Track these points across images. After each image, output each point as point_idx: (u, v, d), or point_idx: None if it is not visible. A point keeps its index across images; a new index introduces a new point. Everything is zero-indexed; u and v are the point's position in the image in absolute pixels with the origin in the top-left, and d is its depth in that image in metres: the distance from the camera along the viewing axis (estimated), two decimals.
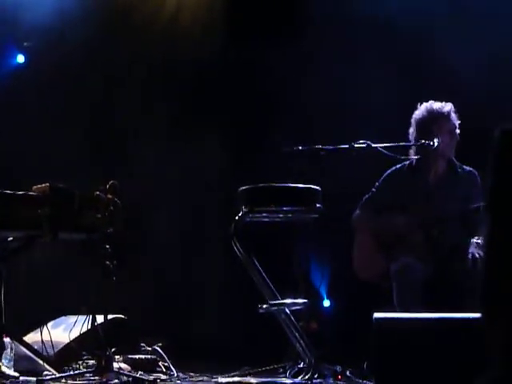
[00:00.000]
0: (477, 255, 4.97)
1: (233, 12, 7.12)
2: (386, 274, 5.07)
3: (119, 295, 4.71)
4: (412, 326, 3.94)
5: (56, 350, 5.08)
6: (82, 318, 4.94)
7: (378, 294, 5.21)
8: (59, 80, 7.03)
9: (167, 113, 7.14)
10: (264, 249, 5.18)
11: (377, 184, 5.37)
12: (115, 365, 4.73)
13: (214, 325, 6.68)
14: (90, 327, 4.76)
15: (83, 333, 5.02)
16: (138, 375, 4.88)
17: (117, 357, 5.04)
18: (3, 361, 4.83)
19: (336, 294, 6.71)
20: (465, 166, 5.26)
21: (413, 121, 5.29)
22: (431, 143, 5.18)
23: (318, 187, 4.92)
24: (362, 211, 5.36)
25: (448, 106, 5.23)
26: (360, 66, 6.64)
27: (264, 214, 5.00)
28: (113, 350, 4.76)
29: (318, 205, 4.89)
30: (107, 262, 4.64)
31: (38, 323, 5.15)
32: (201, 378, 5.14)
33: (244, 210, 4.89)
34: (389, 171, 5.37)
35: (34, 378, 4.62)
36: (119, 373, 4.70)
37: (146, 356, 5.39)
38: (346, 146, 5.21)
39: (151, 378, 4.92)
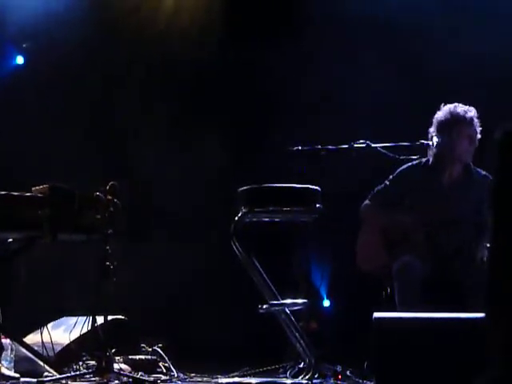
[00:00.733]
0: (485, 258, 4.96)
1: (231, 12, 7.12)
2: (388, 268, 5.07)
3: (119, 296, 4.71)
4: (412, 325, 3.95)
5: (56, 351, 5.07)
6: (82, 319, 4.93)
7: (378, 293, 5.21)
8: (58, 81, 7.03)
9: (167, 113, 7.14)
10: (264, 249, 5.17)
11: (390, 177, 5.32)
12: (115, 366, 4.72)
13: (214, 325, 6.68)
14: (90, 328, 4.76)
15: (83, 334, 5.02)
16: (138, 376, 4.87)
17: (117, 358, 5.04)
18: (3, 362, 4.84)
19: (336, 294, 6.71)
20: (480, 170, 5.21)
21: (434, 120, 5.23)
22: (430, 143, 5.18)
23: (317, 187, 4.91)
24: (372, 202, 5.32)
25: (471, 112, 5.15)
26: (360, 66, 6.64)
27: (264, 215, 4.99)
28: (113, 350, 4.76)
29: (317, 205, 4.89)
30: (107, 263, 4.64)
31: (38, 324, 5.15)
32: (201, 379, 5.14)
33: (244, 210, 4.89)
34: (404, 167, 5.31)
35: (35, 379, 4.61)
36: (119, 374, 4.69)
37: (147, 357, 5.38)
38: (346, 146, 5.21)
39: (151, 378, 4.92)
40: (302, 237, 5.49)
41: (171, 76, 7.21)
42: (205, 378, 5.14)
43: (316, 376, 4.81)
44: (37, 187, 4.85)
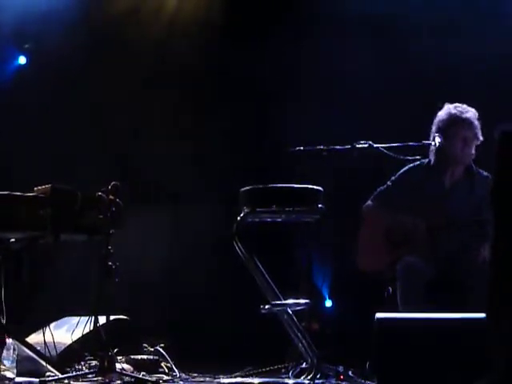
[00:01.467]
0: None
1: (231, 13, 7.13)
2: (388, 269, 5.07)
3: (121, 296, 4.71)
4: (414, 326, 3.95)
5: (58, 351, 5.07)
6: (84, 318, 4.94)
7: (380, 293, 5.21)
8: (60, 81, 7.04)
9: (168, 113, 7.14)
10: (266, 249, 5.17)
11: (392, 178, 5.33)
12: (118, 365, 4.73)
13: (217, 325, 6.69)
14: (92, 328, 4.76)
15: (85, 334, 5.02)
16: (140, 376, 4.87)
17: (119, 357, 5.04)
18: (5, 362, 4.84)
19: (338, 295, 6.71)
20: (481, 171, 5.21)
21: (435, 120, 5.24)
22: (433, 143, 5.18)
23: (319, 187, 4.91)
24: (374, 203, 5.33)
25: (468, 113, 5.12)
26: (362, 66, 6.64)
27: (266, 215, 4.99)
28: (115, 350, 4.76)
29: (319, 205, 4.89)
30: (109, 263, 4.64)
31: (41, 324, 5.15)
32: (203, 379, 5.14)
33: (246, 210, 4.89)
34: (406, 168, 5.31)
35: (37, 379, 4.61)
36: (122, 373, 4.69)
37: (149, 357, 5.38)
38: (348, 147, 5.21)
39: (154, 378, 4.92)
40: (303, 237, 5.48)
41: (172, 76, 7.21)
42: (207, 378, 5.14)
43: (318, 376, 4.81)
44: (39, 187, 4.85)
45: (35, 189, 4.86)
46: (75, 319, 5.18)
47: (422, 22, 6.53)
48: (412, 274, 4.93)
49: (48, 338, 4.96)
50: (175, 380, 5.08)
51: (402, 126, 5.83)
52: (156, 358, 5.38)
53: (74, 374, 4.79)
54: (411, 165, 5.31)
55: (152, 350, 5.46)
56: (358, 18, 6.68)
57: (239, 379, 5.04)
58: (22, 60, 7.38)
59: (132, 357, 5.29)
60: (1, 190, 4.73)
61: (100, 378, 4.58)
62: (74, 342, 5.15)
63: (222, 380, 5.02)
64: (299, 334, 4.89)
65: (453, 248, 5.03)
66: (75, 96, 7.06)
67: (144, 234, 6.80)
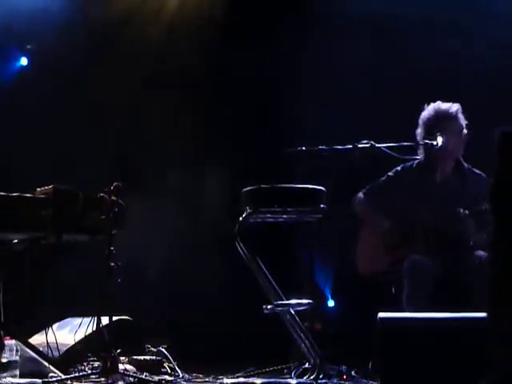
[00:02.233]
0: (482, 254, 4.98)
1: (231, 13, 7.13)
2: (386, 271, 5.09)
3: (124, 296, 4.71)
4: (417, 325, 3.94)
5: (61, 352, 5.07)
6: (87, 319, 4.94)
7: (383, 293, 5.21)
8: (61, 81, 7.04)
9: (169, 113, 7.14)
10: (268, 249, 5.17)
11: (386, 176, 5.39)
12: (120, 366, 4.73)
13: (219, 326, 6.69)
14: (95, 329, 4.76)
15: (88, 334, 5.02)
16: (143, 376, 4.88)
17: (122, 358, 5.04)
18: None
19: (340, 294, 6.71)
20: (473, 169, 5.27)
21: (420, 121, 5.30)
22: (435, 143, 5.19)
23: (321, 188, 4.91)
24: (366, 197, 5.37)
25: (455, 107, 5.24)
26: (362, 66, 6.64)
27: (268, 215, 4.99)
28: (118, 351, 4.76)
29: (321, 205, 4.89)
30: (112, 263, 4.65)
31: (43, 325, 5.15)
32: (206, 379, 5.14)
33: (248, 210, 4.89)
34: (399, 167, 5.39)
35: (40, 380, 4.62)
36: (124, 374, 4.70)
37: (152, 357, 5.39)
38: (350, 146, 5.21)
39: (156, 379, 4.92)
40: (306, 237, 5.48)
41: (172, 76, 7.21)
42: (209, 379, 5.14)
43: (321, 376, 4.81)
44: (41, 188, 4.86)
45: (37, 189, 4.86)
46: (78, 320, 5.18)
47: (422, 22, 6.52)
48: (419, 271, 4.94)
49: (51, 339, 4.95)
50: (178, 380, 5.08)
51: (402, 126, 5.82)
52: (159, 358, 5.38)
53: (77, 374, 4.79)
54: (402, 165, 5.40)
55: (155, 350, 5.46)
56: (358, 18, 6.68)
57: (242, 379, 5.04)
58: (24, 61, 7.38)
59: (135, 357, 5.29)
60: (2, 190, 4.73)
61: (103, 379, 4.58)
62: (77, 343, 5.15)
63: (225, 380, 5.02)
64: (302, 334, 4.89)
65: (451, 243, 5.05)
66: (75, 96, 7.06)
67: (145, 234, 6.80)
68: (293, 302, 4.95)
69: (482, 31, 6.26)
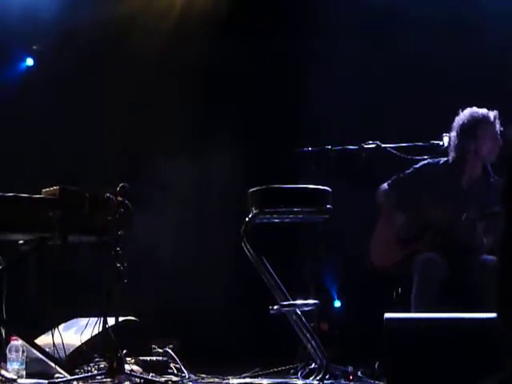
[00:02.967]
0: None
1: (232, 13, 7.13)
2: (398, 265, 5.09)
3: (130, 297, 4.71)
4: (423, 326, 3.93)
5: (67, 353, 5.07)
6: (93, 320, 4.94)
7: (390, 294, 5.21)
8: (68, 82, 7.05)
9: (175, 113, 7.14)
10: (274, 250, 5.17)
11: (412, 168, 5.33)
12: (127, 367, 4.73)
13: (225, 326, 6.69)
14: (101, 329, 4.76)
15: (94, 335, 5.02)
16: (149, 377, 4.88)
17: (128, 359, 5.04)
18: (15, 364, 4.85)
19: (347, 295, 6.70)
20: (498, 177, 5.25)
21: (455, 124, 5.24)
22: (441, 143, 5.18)
23: (327, 188, 4.91)
24: (391, 189, 5.33)
25: (493, 112, 5.18)
26: (367, 66, 6.64)
27: (274, 216, 4.99)
28: (124, 352, 4.76)
29: (328, 206, 4.88)
30: (118, 264, 4.65)
31: (50, 326, 5.16)
32: (212, 380, 5.14)
33: (254, 211, 4.88)
34: (425, 162, 5.32)
35: (46, 381, 4.62)
36: (131, 375, 4.70)
37: (158, 358, 5.39)
38: (356, 147, 5.21)
39: (163, 379, 4.92)
40: (312, 238, 5.48)
41: (178, 76, 7.21)
42: (216, 379, 5.14)
43: (327, 377, 4.81)
44: (47, 189, 4.86)
45: (43, 190, 4.87)
46: (84, 320, 5.18)
47: (422, 22, 6.51)
48: (432, 269, 4.94)
49: (57, 340, 4.96)
50: (184, 381, 5.09)
51: (402, 126, 5.83)
52: (165, 359, 5.38)
53: (83, 375, 4.79)
54: (430, 160, 5.32)
55: (161, 351, 5.46)
56: (361, 18, 6.68)
57: (248, 380, 5.04)
58: (30, 62, 7.40)
59: (141, 358, 5.29)
60: (8, 191, 4.74)
61: (109, 380, 4.58)
62: (83, 344, 5.15)
63: (231, 381, 5.02)
64: (308, 335, 4.89)
65: (466, 246, 5.04)
66: (81, 96, 7.07)
67: (149, 235, 6.80)
68: (299, 302, 4.95)
69: (482, 31, 6.25)
